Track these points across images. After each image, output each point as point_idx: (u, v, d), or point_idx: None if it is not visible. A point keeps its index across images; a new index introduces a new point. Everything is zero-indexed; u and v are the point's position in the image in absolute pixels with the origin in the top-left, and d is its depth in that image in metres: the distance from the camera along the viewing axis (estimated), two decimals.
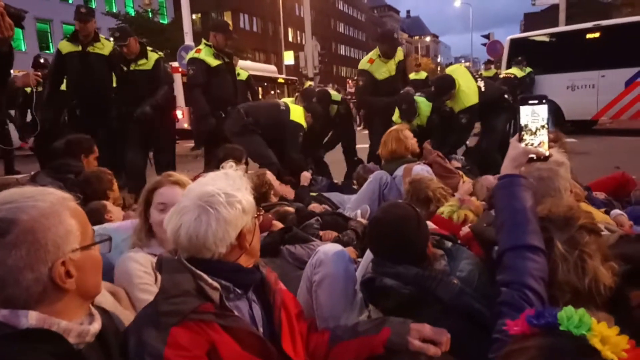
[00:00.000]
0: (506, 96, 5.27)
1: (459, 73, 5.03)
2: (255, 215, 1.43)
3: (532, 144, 1.55)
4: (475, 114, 5.02)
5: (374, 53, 5.74)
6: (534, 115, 1.54)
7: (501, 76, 11.16)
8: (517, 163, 1.56)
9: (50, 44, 27.91)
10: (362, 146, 6.06)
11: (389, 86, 5.57)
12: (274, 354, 1.35)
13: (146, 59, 5.10)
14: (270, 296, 1.45)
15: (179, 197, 1.83)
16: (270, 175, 3.65)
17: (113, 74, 5.22)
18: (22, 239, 1.01)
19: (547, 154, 1.55)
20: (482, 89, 4.92)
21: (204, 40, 5.31)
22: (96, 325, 1.13)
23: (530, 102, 1.54)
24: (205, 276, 1.29)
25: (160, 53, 5.32)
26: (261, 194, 3.49)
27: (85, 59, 4.96)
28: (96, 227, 2.41)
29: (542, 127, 1.55)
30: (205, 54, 5.13)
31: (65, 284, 1.06)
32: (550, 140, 3.16)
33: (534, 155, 1.55)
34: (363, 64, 5.73)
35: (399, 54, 5.73)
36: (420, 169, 3.68)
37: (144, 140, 5.14)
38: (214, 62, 5.13)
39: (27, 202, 1.05)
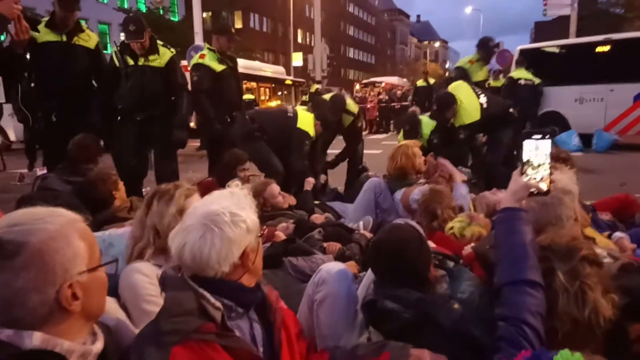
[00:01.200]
0: (511, 110, 5.26)
1: (461, 90, 5.02)
2: (259, 234, 1.45)
3: (533, 179, 1.57)
4: (474, 131, 5.05)
5: (474, 56, 6.30)
6: (537, 151, 1.56)
7: (521, 82, 10.97)
8: (518, 197, 1.58)
9: None
10: (372, 152, 6.04)
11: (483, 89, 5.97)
12: None
13: (157, 55, 4.53)
14: (270, 315, 1.47)
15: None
16: (269, 192, 3.60)
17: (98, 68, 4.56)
18: (31, 262, 1.02)
19: (547, 189, 1.57)
20: (485, 105, 4.89)
21: (206, 45, 5.21)
22: (99, 345, 1.14)
23: (534, 137, 1.56)
24: (207, 295, 1.31)
25: (172, 49, 4.77)
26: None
27: (70, 51, 4.28)
28: (99, 233, 2.46)
29: (545, 162, 1.56)
30: (210, 59, 5.02)
31: (71, 306, 1.07)
32: (562, 161, 3.18)
33: (534, 190, 1.56)
34: (463, 62, 6.40)
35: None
36: (417, 194, 3.48)
37: (143, 146, 4.66)
38: (218, 67, 5.02)
39: (37, 225, 1.06)
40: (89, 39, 4.44)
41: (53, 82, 4.21)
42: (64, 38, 4.24)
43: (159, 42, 4.65)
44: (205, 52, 5.10)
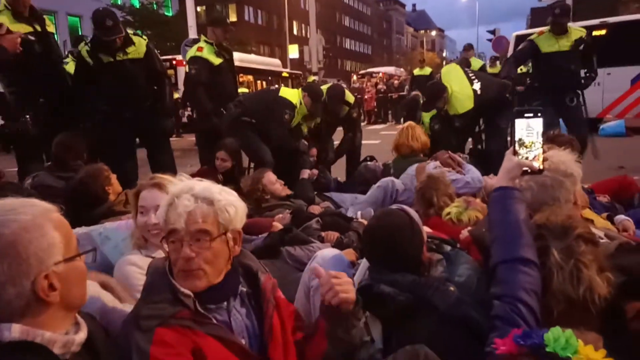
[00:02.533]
0: (507, 95, 5.11)
1: (452, 76, 4.89)
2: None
3: (526, 157, 1.55)
4: (469, 119, 4.88)
5: (547, 27, 5.83)
6: (528, 129, 1.54)
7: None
8: (511, 176, 1.57)
9: (56, 35, 27.93)
10: (370, 142, 6.01)
11: (556, 61, 5.58)
12: None
13: (134, 45, 4.26)
14: (264, 304, 1.47)
15: (158, 199, 1.86)
16: (267, 179, 3.62)
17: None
18: (4, 254, 1.00)
19: (540, 167, 1.56)
20: (479, 92, 4.75)
21: (203, 37, 5.11)
22: (82, 335, 1.13)
23: (526, 115, 1.54)
24: (177, 285, 1.33)
25: (145, 37, 4.58)
26: (254, 200, 3.49)
27: (48, 41, 3.97)
28: (96, 227, 2.46)
29: (537, 140, 1.55)
30: (208, 53, 4.94)
31: (49, 297, 1.05)
32: (563, 144, 3.15)
33: (528, 168, 1.55)
34: (534, 35, 5.90)
35: (576, 33, 5.64)
36: (433, 167, 3.70)
37: (134, 144, 4.61)
38: (216, 60, 4.96)
39: (8, 216, 1.04)
40: (50, 24, 4.15)
41: (42, 78, 3.92)
42: (39, 27, 3.91)
43: (129, 30, 4.46)
44: (202, 44, 5.01)
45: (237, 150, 4.26)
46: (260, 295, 1.48)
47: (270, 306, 1.47)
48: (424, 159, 4.05)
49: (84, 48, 4.22)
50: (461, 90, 4.75)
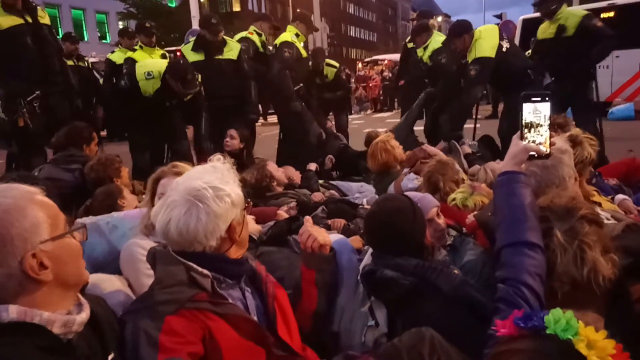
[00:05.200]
0: (529, 72, 4.93)
1: (486, 27, 4.94)
2: (244, 207, 1.46)
3: (533, 142, 1.54)
4: (487, 70, 4.62)
5: None
6: (536, 113, 1.53)
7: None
8: (518, 160, 1.55)
9: (60, 29, 28.01)
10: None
11: (543, 48, 5.27)
12: (270, 339, 1.39)
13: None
14: (262, 286, 1.50)
15: None
16: (270, 167, 3.66)
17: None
18: None
19: (547, 151, 1.55)
20: (504, 49, 4.64)
21: (254, 27, 5.53)
22: (84, 315, 1.14)
23: (533, 99, 1.53)
24: (195, 266, 1.33)
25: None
26: (262, 188, 3.51)
27: (39, 32, 3.90)
28: (104, 216, 2.47)
29: (544, 124, 1.53)
30: (256, 39, 5.41)
31: (40, 275, 1.06)
32: (558, 126, 3.10)
33: (534, 153, 1.54)
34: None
35: (564, 19, 5.06)
36: (409, 181, 3.50)
37: None
38: (260, 48, 5.43)
39: None
40: (44, 15, 4.07)
41: (33, 69, 3.87)
42: (29, 19, 3.83)
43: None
44: (252, 31, 5.49)
45: (248, 137, 4.38)
46: (256, 278, 1.51)
47: (270, 286, 1.52)
48: (399, 171, 3.87)
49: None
50: (487, 37, 4.70)
